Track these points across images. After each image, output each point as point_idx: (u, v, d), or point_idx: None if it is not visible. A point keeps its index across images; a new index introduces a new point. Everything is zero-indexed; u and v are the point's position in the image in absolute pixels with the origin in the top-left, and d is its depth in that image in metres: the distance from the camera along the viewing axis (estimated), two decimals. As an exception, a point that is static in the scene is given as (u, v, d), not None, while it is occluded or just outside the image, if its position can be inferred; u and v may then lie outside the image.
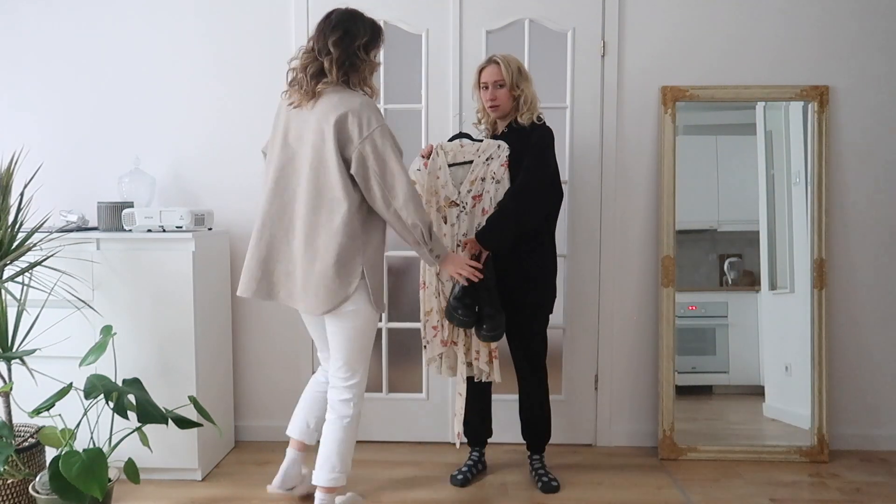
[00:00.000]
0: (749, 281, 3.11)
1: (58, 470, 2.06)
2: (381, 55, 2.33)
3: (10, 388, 2.33)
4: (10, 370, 2.38)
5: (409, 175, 2.17)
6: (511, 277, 2.51)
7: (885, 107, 2.95)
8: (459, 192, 2.54)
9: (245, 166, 2.99)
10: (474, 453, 2.75)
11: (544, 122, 2.58)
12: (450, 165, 2.56)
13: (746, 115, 3.04)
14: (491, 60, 2.56)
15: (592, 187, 2.99)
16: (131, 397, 2.33)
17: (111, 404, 2.27)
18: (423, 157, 2.61)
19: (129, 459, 2.28)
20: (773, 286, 3.07)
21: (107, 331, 2.44)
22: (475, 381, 2.60)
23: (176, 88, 3.04)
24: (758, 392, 3.08)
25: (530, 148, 2.50)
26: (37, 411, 2.25)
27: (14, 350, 2.38)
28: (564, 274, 2.97)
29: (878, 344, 3.00)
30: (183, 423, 2.38)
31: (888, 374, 3.01)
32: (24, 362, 2.33)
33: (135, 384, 2.38)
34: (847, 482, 2.68)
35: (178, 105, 3.04)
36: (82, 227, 2.77)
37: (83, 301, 2.51)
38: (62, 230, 2.65)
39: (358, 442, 2.84)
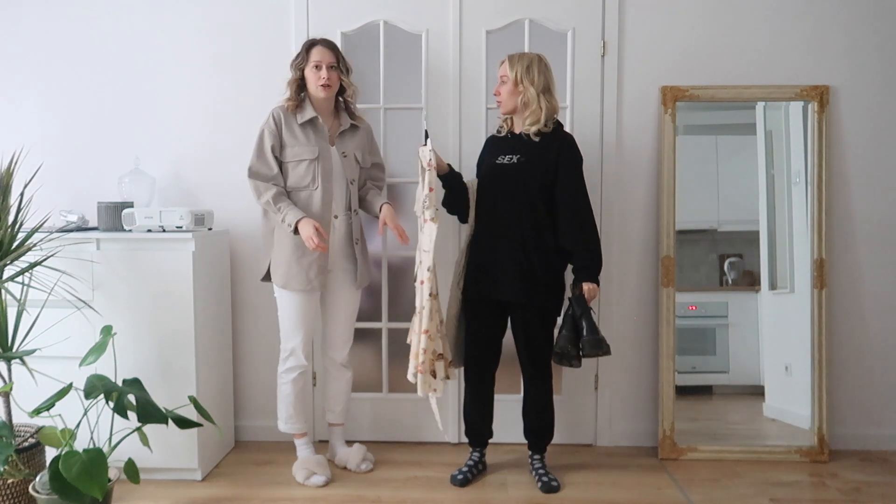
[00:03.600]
0: (749, 281, 3.11)
1: (58, 470, 2.06)
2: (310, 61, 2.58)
3: (10, 388, 2.33)
4: (10, 370, 2.38)
5: (252, 182, 2.58)
6: (519, 280, 2.51)
7: (885, 107, 2.95)
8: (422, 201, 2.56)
9: (245, 166, 2.99)
10: (475, 454, 2.74)
11: (566, 133, 2.58)
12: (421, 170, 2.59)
13: (746, 115, 3.04)
14: (508, 55, 2.55)
15: (592, 187, 2.97)
16: (131, 397, 2.33)
17: (111, 404, 2.27)
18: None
19: (129, 459, 2.28)
20: (773, 286, 3.07)
21: (107, 331, 2.44)
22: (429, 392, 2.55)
23: (176, 88, 3.04)
24: (758, 392, 3.08)
25: (565, 168, 2.51)
26: (37, 411, 2.25)
27: (14, 350, 2.38)
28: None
29: (878, 344, 3.00)
30: (183, 423, 2.37)
31: (888, 375, 3.01)
32: (24, 362, 2.33)
33: (135, 384, 2.38)
34: (847, 482, 2.68)
35: (177, 105, 3.04)
36: (82, 227, 2.77)
37: (83, 301, 2.51)
38: (62, 230, 2.65)
39: (358, 442, 2.87)
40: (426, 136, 2.63)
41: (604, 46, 2.95)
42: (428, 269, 2.46)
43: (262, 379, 3.08)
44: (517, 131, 2.60)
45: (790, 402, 3.00)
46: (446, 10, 2.96)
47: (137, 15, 3.02)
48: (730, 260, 3.11)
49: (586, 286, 2.52)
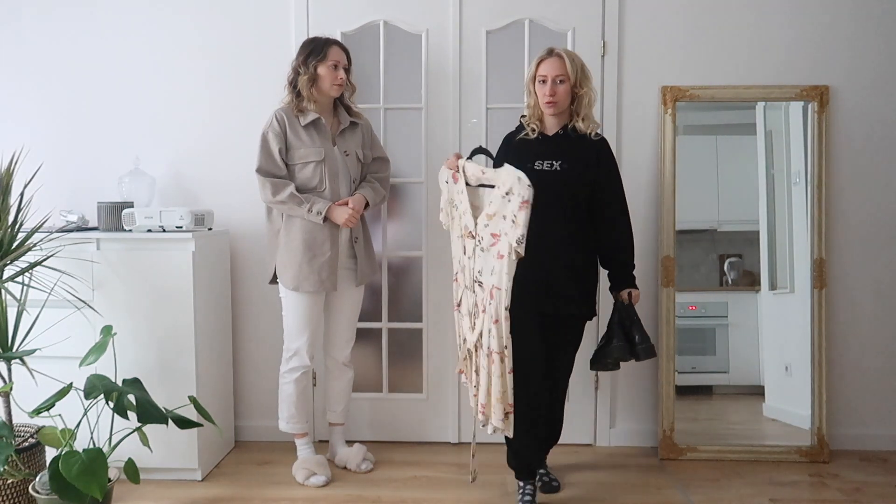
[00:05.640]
0: (749, 281, 3.11)
1: (58, 470, 2.06)
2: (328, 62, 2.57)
3: (10, 388, 2.33)
4: (10, 370, 2.38)
5: (260, 178, 2.55)
6: (569, 292, 2.37)
7: (885, 107, 2.95)
8: (476, 224, 2.28)
9: (245, 166, 2.98)
10: (528, 487, 2.43)
11: (603, 136, 2.44)
12: (467, 186, 2.31)
13: (746, 115, 3.04)
14: (553, 53, 2.36)
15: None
16: (131, 397, 2.33)
17: (111, 404, 2.27)
18: (449, 168, 2.38)
19: (129, 459, 2.29)
20: (773, 286, 3.07)
21: (107, 331, 2.44)
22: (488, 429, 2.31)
23: (176, 88, 3.04)
24: (758, 392, 3.08)
25: (607, 174, 2.39)
26: (37, 411, 2.25)
27: (14, 350, 2.38)
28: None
29: (877, 344, 3.00)
30: (183, 423, 2.37)
31: (888, 375, 3.01)
32: (24, 362, 2.33)
33: (135, 384, 2.38)
34: (847, 482, 2.68)
35: (177, 105, 3.04)
36: (82, 227, 2.77)
37: (83, 301, 2.51)
38: (62, 230, 2.65)
39: (358, 442, 2.86)
40: (480, 153, 2.38)
41: (604, 46, 2.95)
42: (506, 308, 2.19)
43: (262, 379, 3.08)
44: (550, 133, 2.41)
45: (790, 402, 3.00)
46: (446, 10, 2.96)
47: (138, 15, 3.02)
48: (730, 260, 3.11)
49: (634, 292, 2.46)
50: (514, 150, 2.43)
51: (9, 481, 2.27)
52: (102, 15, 3.03)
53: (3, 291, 2.35)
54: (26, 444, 2.37)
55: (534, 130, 2.41)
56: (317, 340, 2.72)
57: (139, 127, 3.05)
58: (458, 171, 2.33)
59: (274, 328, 3.00)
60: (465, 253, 2.34)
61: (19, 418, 2.41)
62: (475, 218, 2.29)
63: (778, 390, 3.05)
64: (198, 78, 3.04)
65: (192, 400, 2.44)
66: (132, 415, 2.29)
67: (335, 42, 2.62)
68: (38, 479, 2.23)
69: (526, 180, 2.14)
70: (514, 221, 2.16)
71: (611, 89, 2.96)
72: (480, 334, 2.28)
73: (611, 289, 2.50)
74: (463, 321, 2.39)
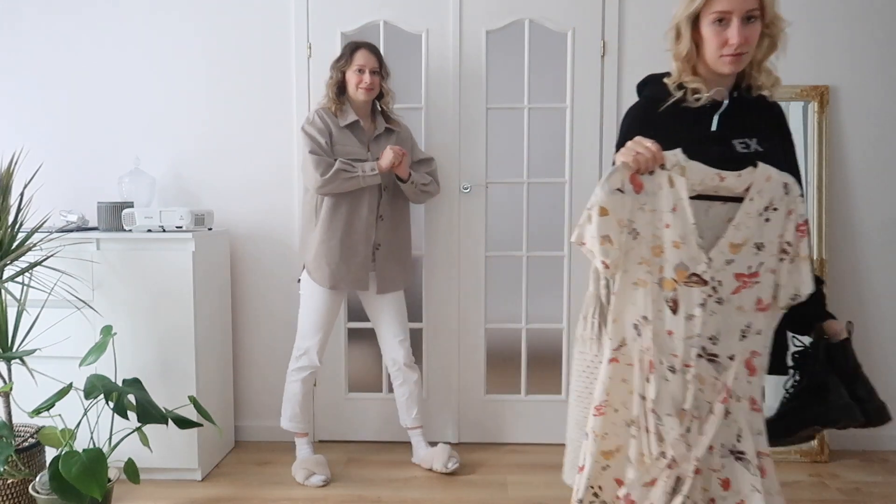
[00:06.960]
0: (749, 281, 3.10)
1: (58, 470, 2.06)
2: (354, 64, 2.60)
3: (10, 388, 2.33)
4: (10, 370, 2.38)
5: (313, 157, 2.51)
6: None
7: (885, 107, 2.95)
8: (710, 260, 1.41)
9: (245, 166, 2.99)
10: None
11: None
12: (691, 198, 1.42)
13: (746, 115, 3.03)
14: None
15: (592, 187, 2.97)
16: (131, 397, 2.33)
17: (111, 404, 2.27)
18: (631, 167, 1.45)
19: (129, 459, 2.28)
20: (773, 286, 3.06)
21: (107, 331, 2.44)
22: None
23: (176, 88, 3.04)
24: (758, 392, 3.08)
25: (793, 154, 1.66)
26: (37, 411, 2.25)
27: (14, 350, 2.38)
28: (567, 274, 2.97)
29: (877, 344, 3.00)
30: (183, 423, 2.37)
31: (888, 375, 3.01)
32: (24, 362, 2.33)
33: (135, 384, 2.38)
34: (847, 482, 2.68)
35: (178, 105, 3.04)
36: (82, 227, 2.77)
37: (83, 301, 2.51)
38: (62, 230, 2.65)
39: (359, 442, 2.86)
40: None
41: (604, 46, 2.95)
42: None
43: (262, 379, 3.08)
44: (720, 98, 1.61)
45: (790, 402, 2.99)
46: (446, 10, 2.96)
47: (138, 15, 3.02)
48: (730, 260, 3.10)
49: (842, 324, 1.71)
50: (673, 126, 1.58)
51: (9, 481, 2.27)
52: (103, 15, 3.03)
53: (3, 291, 2.35)
54: (26, 444, 2.36)
55: (697, 93, 1.59)
56: (328, 342, 2.70)
57: (139, 127, 3.05)
58: (644, 173, 1.45)
59: (274, 328, 3.01)
60: (675, 311, 1.43)
61: (19, 418, 2.41)
62: (704, 249, 1.41)
63: (778, 390, 3.04)
64: (197, 77, 3.03)
65: (192, 400, 2.44)
66: (132, 415, 2.29)
67: (364, 45, 2.62)
68: (38, 479, 2.23)
69: (797, 188, 1.43)
70: (792, 260, 1.44)
71: (611, 89, 2.96)
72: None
73: (806, 322, 1.73)
74: (668, 427, 1.42)
